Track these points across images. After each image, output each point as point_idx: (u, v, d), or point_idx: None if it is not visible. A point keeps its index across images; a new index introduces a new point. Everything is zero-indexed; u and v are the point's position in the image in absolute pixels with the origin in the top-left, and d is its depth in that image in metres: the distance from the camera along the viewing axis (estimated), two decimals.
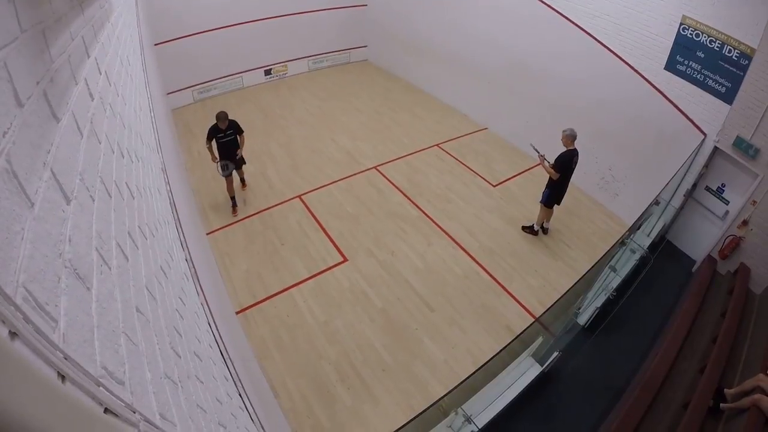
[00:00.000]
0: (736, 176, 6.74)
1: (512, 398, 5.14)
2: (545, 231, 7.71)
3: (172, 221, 2.92)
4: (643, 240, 7.45)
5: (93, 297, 0.88)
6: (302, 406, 5.09)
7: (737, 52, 6.10)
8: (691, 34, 6.57)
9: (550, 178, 6.98)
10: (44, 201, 0.78)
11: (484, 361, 5.04)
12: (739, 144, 6.32)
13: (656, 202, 7.36)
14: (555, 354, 5.45)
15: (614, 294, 6.26)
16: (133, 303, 1.18)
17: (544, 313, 5.86)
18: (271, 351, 5.64)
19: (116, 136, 1.72)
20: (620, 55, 7.63)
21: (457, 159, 9.59)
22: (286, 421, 4.90)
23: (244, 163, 7.92)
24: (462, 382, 4.68)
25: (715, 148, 6.75)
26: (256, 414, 2.81)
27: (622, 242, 6.52)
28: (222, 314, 4.07)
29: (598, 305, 6.21)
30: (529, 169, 9.28)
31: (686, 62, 6.78)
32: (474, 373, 4.82)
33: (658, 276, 6.98)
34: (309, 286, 6.51)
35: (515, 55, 9.61)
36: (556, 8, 8.45)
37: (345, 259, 6.96)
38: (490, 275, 6.86)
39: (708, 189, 7.24)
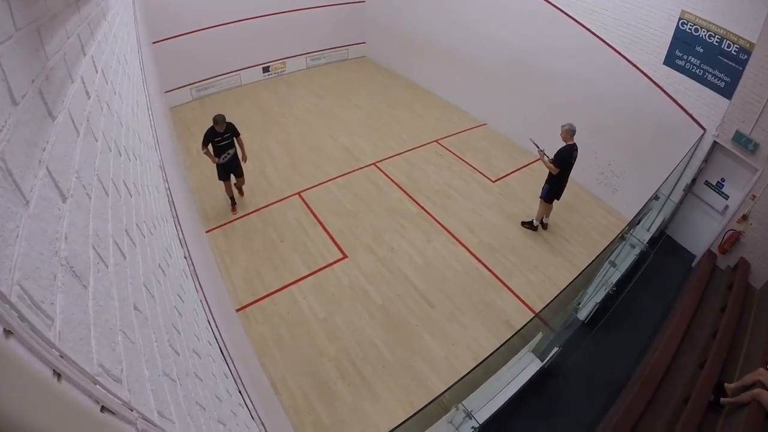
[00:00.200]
0: (735, 171, 6.74)
1: (512, 394, 5.15)
2: (545, 226, 7.71)
3: (171, 219, 2.92)
4: (643, 235, 7.46)
5: (90, 295, 0.88)
6: (303, 403, 5.10)
7: (736, 47, 6.09)
8: (690, 28, 6.55)
9: (549, 173, 6.98)
10: (40, 199, 0.77)
11: (484, 357, 5.05)
12: (739, 139, 6.31)
13: (656, 197, 7.36)
14: (555, 349, 5.46)
15: (614, 289, 6.27)
16: (131, 301, 1.18)
17: (544, 308, 5.87)
18: (271, 348, 5.65)
19: (113, 134, 1.72)
20: (619, 50, 7.61)
21: (456, 155, 9.59)
22: (287, 419, 4.91)
23: (242, 174, 7.67)
24: (462, 378, 4.69)
25: (715, 142, 6.75)
26: (256, 411, 2.81)
27: (621, 237, 6.53)
28: (222, 312, 4.07)
29: (598, 300, 6.22)
30: (528, 165, 9.28)
31: (685, 57, 6.76)
32: (474, 368, 4.83)
33: (658, 271, 6.99)
34: (308, 284, 6.51)
35: (514, 51, 9.59)
36: (554, 4, 8.42)
37: (344, 256, 6.96)
38: (490, 271, 6.86)
39: (707, 184, 7.24)
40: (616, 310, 6.29)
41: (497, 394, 5.11)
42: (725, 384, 4.49)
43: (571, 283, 5.98)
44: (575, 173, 7.32)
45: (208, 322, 2.74)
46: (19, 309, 0.57)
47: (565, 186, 7.21)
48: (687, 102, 6.96)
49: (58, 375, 0.60)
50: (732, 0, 6.01)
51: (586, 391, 5.53)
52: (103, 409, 0.70)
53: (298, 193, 8.25)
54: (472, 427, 4.49)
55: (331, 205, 8.01)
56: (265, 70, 12.52)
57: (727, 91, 6.39)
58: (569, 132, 6.63)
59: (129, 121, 2.28)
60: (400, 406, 5.11)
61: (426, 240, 7.34)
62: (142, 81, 3.99)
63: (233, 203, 7.75)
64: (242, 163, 7.52)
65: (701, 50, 6.52)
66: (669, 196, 7.71)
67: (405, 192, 8.41)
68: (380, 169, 9.00)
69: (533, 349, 5.65)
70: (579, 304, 6.25)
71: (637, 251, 6.99)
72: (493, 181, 8.86)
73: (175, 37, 10.35)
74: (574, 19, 8.17)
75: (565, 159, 6.77)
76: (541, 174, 7.48)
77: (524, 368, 5.45)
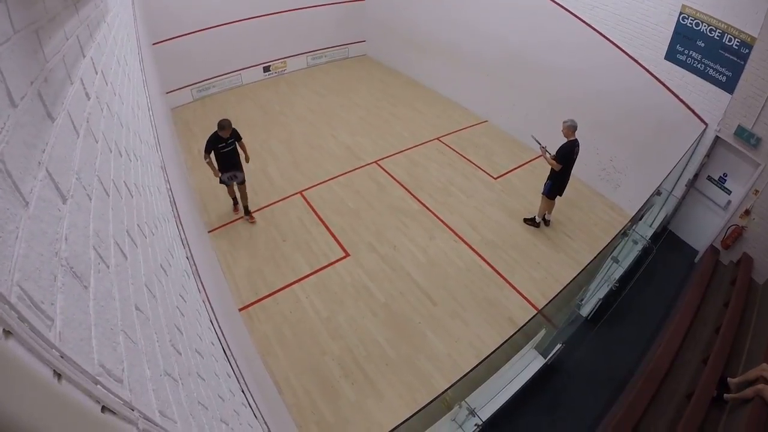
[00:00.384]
0: (737, 166, 6.72)
1: (516, 391, 5.15)
2: (547, 223, 7.70)
3: (173, 219, 2.93)
4: (645, 230, 7.44)
5: (90, 295, 0.88)
6: (306, 402, 5.11)
7: (737, 41, 6.06)
8: (690, 23, 6.53)
9: (551, 169, 6.96)
10: (39, 200, 0.78)
11: (487, 354, 5.05)
12: (741, 133, 6.29)
13: (658, 193, 7.34)
14: (558, 346, 5.46)
15: (617, 285, 6.26)
16: (132, 301, 1.18)
17: (547, 305, 5.87)
18: (274, 347, 5.66)
19: (114, 135, 1.72)
20: (620, 46, 7.59)
21: (457, 152, 9.58)
22: (290, 417, 4.92)
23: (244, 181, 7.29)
24: (465, 375, 4.69)
25: (717, 137, 6.73)
26: (259, 410, 2.82)
27: (624, 233, 6.52)
28: (224, 311, 4.08)
29: (601, 296, 6.22)
30: (529, 162, 9.27)
31: (686, 52, 6.74)
32: (477, 365, 4.84)
33: (661, 267, 6.98)
34: (311, 282, 6.52)
35: (515, 47, 9.57)
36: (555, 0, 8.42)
37: (347, 254, 6.97)
38: (493, 268, 6.86)
39: (710, 179, 7.22)
40: (619, 306, 6.28)
41: (500, 392, 5.11)
42: (728, 379, 4.48)
43: (573, 279, 5.98)
44: (577, 169, 7.31)
45: (211, 321, 2.75)
46: (18, 310, 0.58)
47: (567, 182, 7.20)
48: (688, 97, 6.94)
49: (59, 375, 0.60)
50: None
51: (590, 388, 5.53)
52: (104, 409, 0.71)
53: (300, 192, 8.25)
54: (476, 425, 4.49)
55: (333, 203, 8.01)
56: (266, 69, 12.51)
57: (728, 86, 6.37)
58: (571, 128, 6.61)
59: (129, 122, 2.29)
60: (403, 403, 5.12)
61: (428, 237, 7.34)
62: (143, 82, 3.99)
63: (235, 203, 7.73)
64: (244, 165, 7.29)
65: (702, 45, 6.50)
66: (671, 191, 7.69)
67: (407, 190, 8.40)
68: (382, 167, 9.00)
69: (536, 345, 5.65)
70: (582, 300, 6.25)
71: (639, 247, 6.98)
72: (495, 178, 8.85)
73: (175, 37, 10.35)
74: (574, 15, 8.15)
75: (567, 155, 6.75)
76: (542, 170, 7.47)
77: (527, 365, 5.45)
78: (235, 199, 7.68)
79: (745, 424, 3.77)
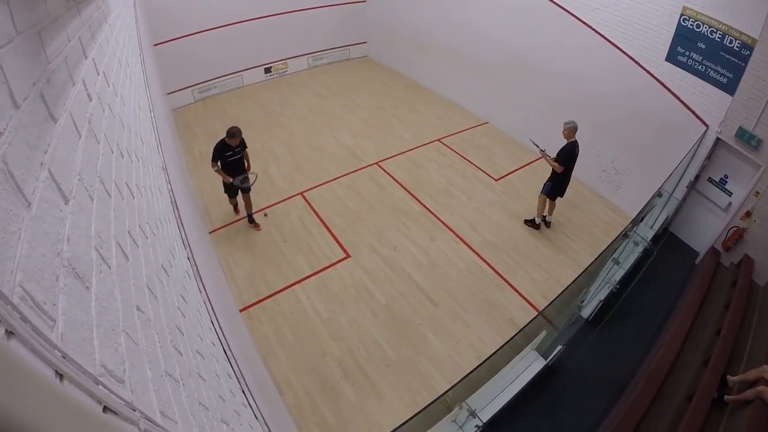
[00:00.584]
0: (738, 167, 6.71)
1: (516, 392, 5.15)
2: (548, 224, 7.69)
3: (174, 220, 2.93)
4: (646, 232, 7.44)
5: (92, 296, 0.88)
6: (307, 403, 5.11)
7: (738, 43, 6.06)
8: (691, 24, 6.53)
9: (553, 171, 6.96)
10: (42, 201, 0.78)
11: (488, 355, 5.04)
12: (742, 135, 6.29)
13: (659, 194, 7.33)
14: (559, 347, 5.46)
15: (617, 287, 6.25)
16: (134, 302, 1.18)
17: (548, 306, 5.86)
18: (274, 348, 5.66)
19: (115, 136, 1.73)
20: (621, 47, 7.58)
21: (458, 154, 9.58)
22: (290, 418, 4.92)
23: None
24: (466, 377, 4.68)
25: (718, 139, 6.72)
26: (260, 411, 2.82)
27: (625, 234, 6.51)
28: (225, 312, 4.08)
29: (602, 298, 6.22)
30: (530, 163, 9.27)
31: (687, 53, 6.74)
32: (478, 367, 4.83)
33: (662, 268, 6.97)
34: (312, 283, 6.52)
35: (515, 48, 9.57)
36: (555, 1, 8.39)
37: (347, 256, 6.97)
38: (493, 269, 6.86)
39: (711, 180, 7.21)
40: (620, 307, 6.28)
41: (501, 393, 5.11)
42: (728, 376, 4.48)
43: (574, 280, 5.97)
44: (578, 170, 7.30)
45: (212, 322, 2.75)
46: (21, 310, 0.58)
47: (568, 183, 7.19)
48: (689, 98, 6.93)
49: (61, 376, 0.61)
50: None
51: (590, 389, 5.52)
52: (106, 409, 0.71)
53: (301, 193, 8.25)
54: (476, 426, 4.49)
55: (334, 204, 8.01)
56: (267, 70, 12.52)
57: (729, 87, 6.36)
58: (572, 129, 6.61)
59: (131, 123, 2.29)
60: (403, 404, 5.12)
61: (429, 239, 7.34)
62: (144, 83, 4.00)
63: (236, 207, 7.65)
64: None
65: (703, 46, 6.49)
66: (672, 193, 7.68)
67: (408, 191, 8.41)
68: (383, 169, 9.01)
69: (537, 347, 5.64)
70: (582, 302, 6.24)
71: (640, 248, 6.97)
72: (496, 180, 8.85)
73: (176, 39, 10.36)
74: (575, 17, 8.15)
75: (568, 156, 6.75)
76: (543, 172, 7.47)
77: (528, 366, 5.44)
78: (236, 206, 7.57)
79: (745, 425, 3.76)
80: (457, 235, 7.43)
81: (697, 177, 7.28)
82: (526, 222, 7.72)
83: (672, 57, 6.95)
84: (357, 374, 5.40)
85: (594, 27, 7.90)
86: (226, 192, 7.18)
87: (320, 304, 6.22)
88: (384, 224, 7.59)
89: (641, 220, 7.31)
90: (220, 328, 2.93)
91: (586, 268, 6.14)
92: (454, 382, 4.82)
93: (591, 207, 8.38)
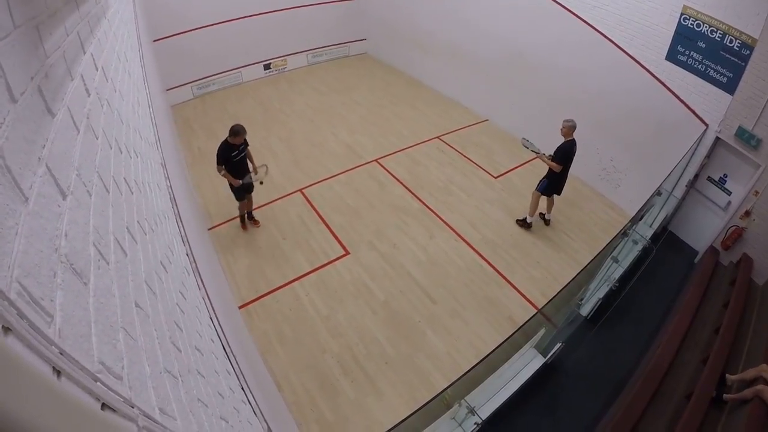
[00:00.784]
0: (738, 167, 6.72)
1: (515, 390, 5.15)
2: (547, 222, 7.69)
3: (173, 216, 2.92)
4: (645, 231, 7.44)
5: (90, 292, 0.88)
6: (306, 400, 5.11)
7: (738, 42, 6.05)
8: (692, 24, 6.52)
9: (549, 169, 6.94)
10: (39, 196, 0.77)
11: (487, 353, 5.05)
12: (741, 134, 6.29)
13: (658, 193, 7.33)
14: (558, 345, 5.46)
15: (616, 285, 6.26)
16: (132, 298, 1.18)
17: (547, 304, 5.86)
18: (274, 345, 5.66)
19: (114, 131, 1.72)
20: (621, 46, 7.57)
21: (458, 151, 9.57)
22: (290, 415, 4.92)
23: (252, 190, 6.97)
24: (465, 374, 4.69)
25: (717, 138, 6.72)
26: (259, 408, 2.82)
27: (624, 233, 6.52)
28: (224, 309, 4.08)
29: (601, 296, 6.22)
30: (530, 161, 9.25)
31: (687, 52, 6.73)
32: (477, 364, 4.83)
33: (661, 267, 6.98)
34: (311, 280, 6.52)
35: (515, 46, 9.55)
36: None
37: (347, 253, 6.97)
38: (493, 267, 6.86)
39: (710, 179, 7.21)
40: (619, 306, 6.28)
41: (500, 390, 5.12)
42: (727, 375, 4.49)
43: (573, 279, 5.98)
44: (577, 169, 7.31)
45: (211, 319, 2.74)
46: (18, 306, 0.57)
47: (565, 181, 7.19)
48: (689, 97, 6.93)
49: (58, 372, 0.60)
50: None
51: (589, 387, 5.53)
52: (104, 406, 0.70)
53: (300, 190, 8.24)
54: (475, 423, 4.50)
55: (333, 201, 8.00)
56: (266, 67, 12.50)
57: (729, 87, 6.36)
58: (571, 128, 6.60)
59: (130, 119, 2.28)
60: (402, 402, 5.12)
61: (428, 236, 7.34)
62: (143, 78, 3.98)
63: (243, 221, 7.34)
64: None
65: (703, 46, 6.49)
66: (671, 191, 7.69)
67: (407, 188, 8.40)
68: (382, 166, 9.00)
69: (536, 345, 5.65)
70: (581, 300, 6.25)
71: (639, 247, 6.98)
72: (495, 177, 8.85)
73: (175, 34, 10.35)
74: (575, 15, 8.13)
75: (566, 155, 6.74)
76: (543, 170, 7.44)
77: (527, 364, 5.45)
78: (243, 218, 7.32)
79: (744, 424, 3.77)
80: (457, 233, 7.42)
81: (697, 176, 7.29)
82: (518, 222, 7.67)
83: (672, 56, 6.94)
84: (356, 371, 5.40)
85: (594, 25, 7.89)
86: (237, 198, 6.85)
87: (319, 301, 6.21)
88: (383, 221, 7.58)
89: (640, 219, 7.32)
90: (219, 324, 2.92)
91: (585, 267, 6.15)
92: (453, 380, 4.83)
93: (590, 205, 8.38)
